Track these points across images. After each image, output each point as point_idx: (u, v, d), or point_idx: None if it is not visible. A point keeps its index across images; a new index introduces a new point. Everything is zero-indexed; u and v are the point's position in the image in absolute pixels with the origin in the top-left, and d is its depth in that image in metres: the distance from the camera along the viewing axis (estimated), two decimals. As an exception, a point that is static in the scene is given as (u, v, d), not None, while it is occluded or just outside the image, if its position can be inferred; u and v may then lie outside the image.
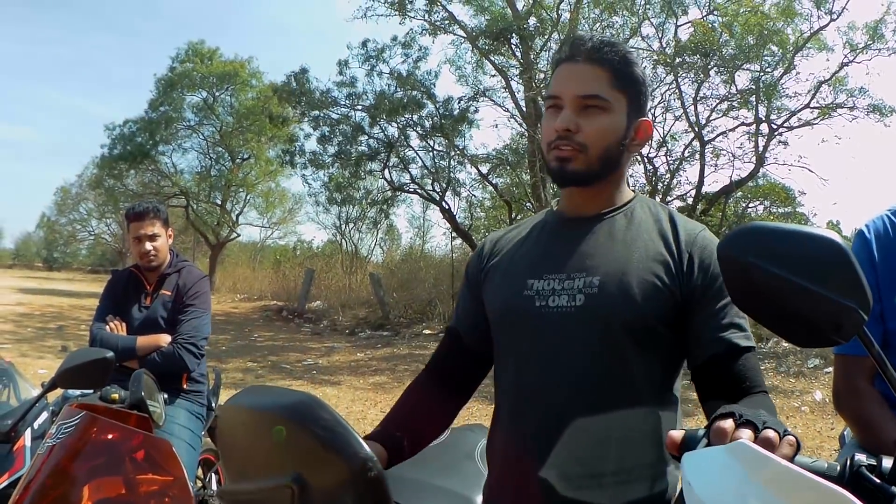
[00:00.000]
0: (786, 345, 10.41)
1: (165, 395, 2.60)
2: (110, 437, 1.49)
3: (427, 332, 14.61)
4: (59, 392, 2.63)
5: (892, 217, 1.75)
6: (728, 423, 0.95)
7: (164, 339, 3.16)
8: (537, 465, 1.36)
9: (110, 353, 2.07)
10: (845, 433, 2.18)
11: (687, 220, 1.48)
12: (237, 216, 29.73)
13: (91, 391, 2.59)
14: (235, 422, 1.12)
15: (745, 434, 0.92)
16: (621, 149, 1.45)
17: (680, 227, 1.44)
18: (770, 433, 0.92)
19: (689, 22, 14.18)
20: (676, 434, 1.00)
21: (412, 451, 1.51)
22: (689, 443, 0.98)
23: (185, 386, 3.23)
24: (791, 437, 0.92)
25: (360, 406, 7.98)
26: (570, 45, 1.46)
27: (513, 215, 16.35)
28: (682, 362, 1.44)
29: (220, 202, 28.50)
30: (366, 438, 1.45)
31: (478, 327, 1.59)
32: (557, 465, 1.34)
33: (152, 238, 3.26)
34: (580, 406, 1.35)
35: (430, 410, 1.60)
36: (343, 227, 27.76)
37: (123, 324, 3.25)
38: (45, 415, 2.47)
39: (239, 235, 30.99)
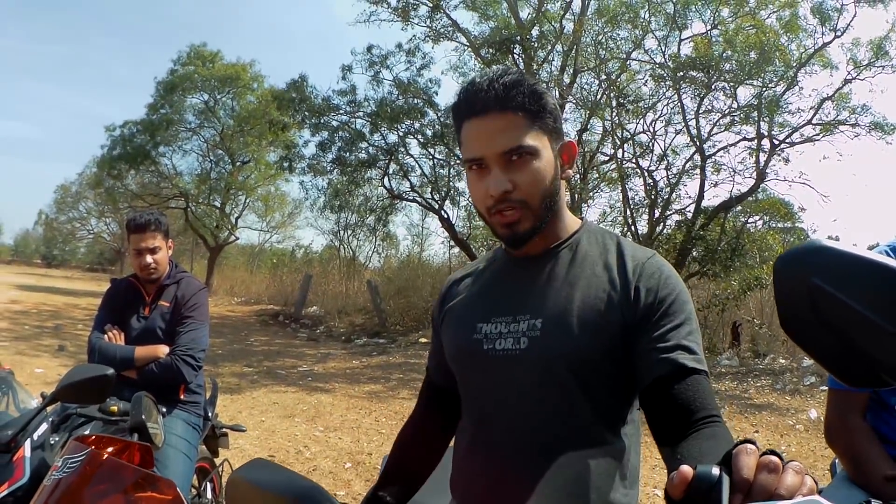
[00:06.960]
0: (783, 361, 10.36)
1: (164, 410, 2.60)
2: (114, 473, 1.52)
3: (423, 340, 14.59)
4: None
5: (891, 253, 1.77)
6: (752, 449, 0.81)
7: (163, 351, 3.16)
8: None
9: (111, 371, 2.08)
10: (836, 463, 2.20)
11: (635, 248, 1.42)
12: (236, 219, 29.84)
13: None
14: (242, 496, 1.13)
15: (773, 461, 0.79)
16: (557, 183, 1.40)
17: (627, 257, 1.39)
18: (797, 465, 0.80)
19: (692, 36, 14.23)
20: (685, 471, 0.81)
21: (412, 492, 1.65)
22: (702, 481, 0.81)
23: (182, 397, 3.24)
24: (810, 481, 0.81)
25: (355, 415, 7.98)
26: (472, 97, 1.36)
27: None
28: (635, 394, 1.38)
29: (219, 205, 28.53)
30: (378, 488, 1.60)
31: (442, 368, 1.63)
32: None
33: (153, 251, 3.26)
34: (530, 447, 1.36)
35: (421, 455, 1.69)
36: (341, 233, 27.77)
37: (122, 333, 3.25)
38: (44, 426, 2.47)
39: (238, 238, 31.06)
